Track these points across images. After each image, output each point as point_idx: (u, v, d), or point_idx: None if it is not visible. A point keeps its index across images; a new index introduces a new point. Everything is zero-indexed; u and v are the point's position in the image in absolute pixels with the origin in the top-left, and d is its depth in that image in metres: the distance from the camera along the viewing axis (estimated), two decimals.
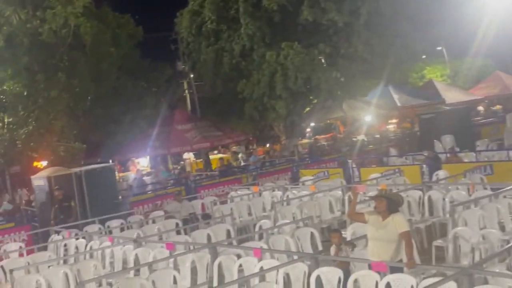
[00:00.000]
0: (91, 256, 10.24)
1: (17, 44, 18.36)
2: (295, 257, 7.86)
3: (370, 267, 6.77)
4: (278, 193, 14.22)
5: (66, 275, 8.95)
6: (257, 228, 10.84)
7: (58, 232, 12.26)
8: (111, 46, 22.38)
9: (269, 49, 22.71)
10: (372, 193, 10.41)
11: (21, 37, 18.53)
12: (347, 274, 6.85)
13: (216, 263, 8.17)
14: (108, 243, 10.35)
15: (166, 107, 25.63)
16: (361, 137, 26.08)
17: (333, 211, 12.43)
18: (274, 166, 21.04)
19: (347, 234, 8.94)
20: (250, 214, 13.57)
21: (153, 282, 7.74)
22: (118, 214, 13.80)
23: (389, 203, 6.82)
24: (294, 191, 14.03)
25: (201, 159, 26.00)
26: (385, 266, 6.52)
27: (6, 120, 18.60)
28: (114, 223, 13.08)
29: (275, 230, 10.24)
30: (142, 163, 26.80)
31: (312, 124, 31.72)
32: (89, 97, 20.57)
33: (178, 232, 11.54)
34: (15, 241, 12.79)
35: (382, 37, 22.15)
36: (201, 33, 25.18)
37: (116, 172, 19.70)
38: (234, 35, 24.14)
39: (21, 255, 11.19)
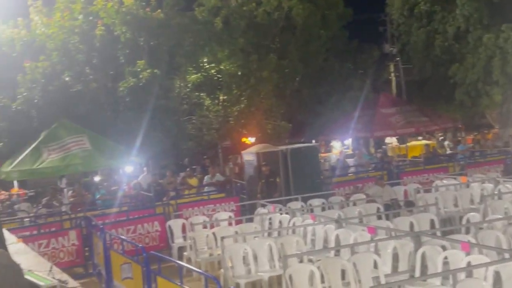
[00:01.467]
0: (294, 231, 10.59)
1: (234, 26, 19.48)
2: (506, 255, 7.27)
3: None
4: (489, 186, 13.31)
5: (270, 247, 9.40)
6: (464, 221, 10.26)
7: (263, 206, 12.86)
8: (321, 28, 22.70)
9: (486, 31, 21.20)
10: None
11: (238, 19, 19.64)
12: None
13: (419, 252, 7.90)
14: (310, 221, 10.58)
15: (371, 90, 25.35)
16: None
17: None
18: (485, 157, 19.68)
19: None
20: (456, 205, 12.92)
21: (354, 264, 7.75)
22: (320, 193, 14.03)
23: None
24: (507, 185, 13.01)
25: (405, 144, 25.34)
26: None
27: (221, 98, 19.98)
28: (316, 202, 13.33)
29: (485, 224, 9.62)
30: (336, 145, 26.95)
31: None
32: (297, 78, 21.15)
33: (379, 217, 11.38)
34: (225, 210, 13.68)
35: None
36: (413, 15, 24.44)
37: None
38: (448, 16, 23.01)
39: (230, 224, 11.97)
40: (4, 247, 3.44)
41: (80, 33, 17.54)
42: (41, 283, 3.44)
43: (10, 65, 17.75)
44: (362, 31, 31.22)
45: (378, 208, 12.23)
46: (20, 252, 4.85)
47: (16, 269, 2.69)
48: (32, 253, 5.37)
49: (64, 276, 4.02)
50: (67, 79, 17.32)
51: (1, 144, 17.22)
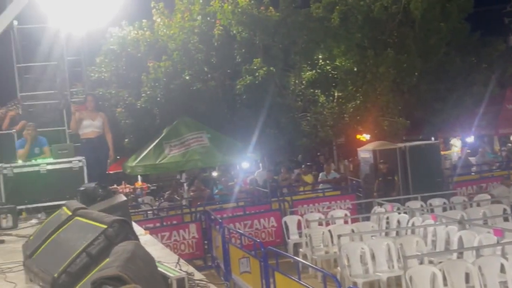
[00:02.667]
0: (413, 232, 10.30)
1: (350, 21, 19.21)
2: None
3: None
4: None
5: (389, 247, 9.19)
6: None
7: (380, 205, 12.60)
8: (440, 21, 21.75)
9: None
10: None
11: (355, 14, 19.33)
12: None
13: None
14: (431, 221, 10.23)
15: (496, 85, 23.93)
16: None
17: None
18: None
19: None
20: None
21: (479, 268, 7.39)
22: (441, 193, 13.51)
23: None
24: None
25: None
26: None
27: (336, 94, 19.78)
28: (436, 202, 12.86)
29: None
30: (456, 143, 25.71)
31: None
32: (415, 73, 20.43)
33: (506, 219, 10.79)
34: (340, 208, 13.57)
35: None
36: None
37: None
38: None
39: (345, 222, 11.87)
40: (137, 239, 3.61)
41: (199, 33, 18.14)
42: (170, 275, 3.56)
43: (135, 65, 18.79)
44: (485, 23, 29.57)
45: (505, 210, 11.57)
46: (148, 244, 5.07)
47: (151, 260, 2.81)
48: (159, 244, 5.61)
49: (190, 269, 4.15)
50: (187, 77, 18.01)
51: (126, 140, 18.35)
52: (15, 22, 11.07)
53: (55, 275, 3.54)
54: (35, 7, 10.50)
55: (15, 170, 8.37)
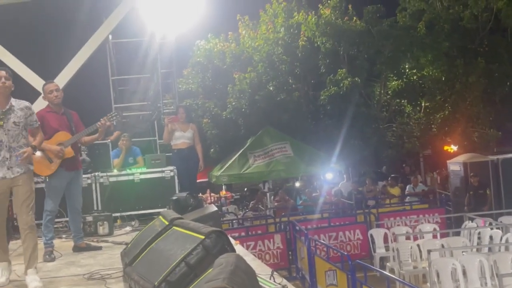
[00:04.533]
0: (507, 248, 9.81)
1: (438, 30, 18.75)
2: None
3: None
4: None
5: (482, 263, 8.81)
6: None
7: (471, 219, 12.14)
8: None
9: None
10: None
11: (442, 23, 18.86)
12: None
13: None
14: None
15: None
16: None
17: None
18: None
19: None
20: None
21: None
22: None
23: None
24: None
25: None
26: None
27: (423, 105, 19.32)
28: None
29: None
30: None
31: None
32: (508, 83, 19.60)
33: None
34: (429, 222, 13.19)
35: None
36: None
37: None
38: None
39: (434, 236, 11.48)
40: (233, 250, 3.68)
41: (283, 44, 18.30)
42: (266, 287, 3.59)
43: (221, 77, 19.20)
44: None
45: None
46: (240, 254, 5.14)
47: (252, 273, 2.85)
48: (249, 255, 5.68)
49: (284, 281, 4.18)
50: (271, 88, 18.19)
51: (212, 150, 18.75)
52: (110, 37, 11.63)
53: (156, 283, 3.68)
54: (129, 22, 11.01)
55: (111, 179, 8.84)
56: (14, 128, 5.03)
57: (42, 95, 6.54)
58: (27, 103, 5.20)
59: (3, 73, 5.06)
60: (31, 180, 5.15)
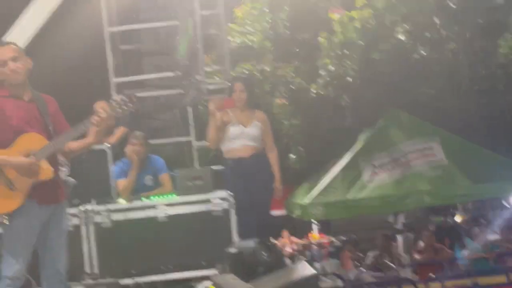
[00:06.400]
0: None
1: None
2: None
3: None
4: None
5: None
6: None
7: None
8: None
9: None
10: None
11: None
12: None
13: None
14: None
15: None
16: None
17: None
18: None
19: None
20: None
21: None
22: None
23: None
24: None
25: None
26: None
27: None
28: None
29: None
30: None
31: None
32: None
33: None
34: None
35: None
36: None
37: None
38: None
39: None
40: None
41: None
42: None
43: (307, 19, 14.01)
44: None
45: None
46: None
47: None
48: None
49: None
50: (402, 37, 13.01)
51: (293, 156, 13.40)
52: None
53: None
54: None
55: (115, 217, 5.62)
56: None
57: None
58: None
59: None
60: None
